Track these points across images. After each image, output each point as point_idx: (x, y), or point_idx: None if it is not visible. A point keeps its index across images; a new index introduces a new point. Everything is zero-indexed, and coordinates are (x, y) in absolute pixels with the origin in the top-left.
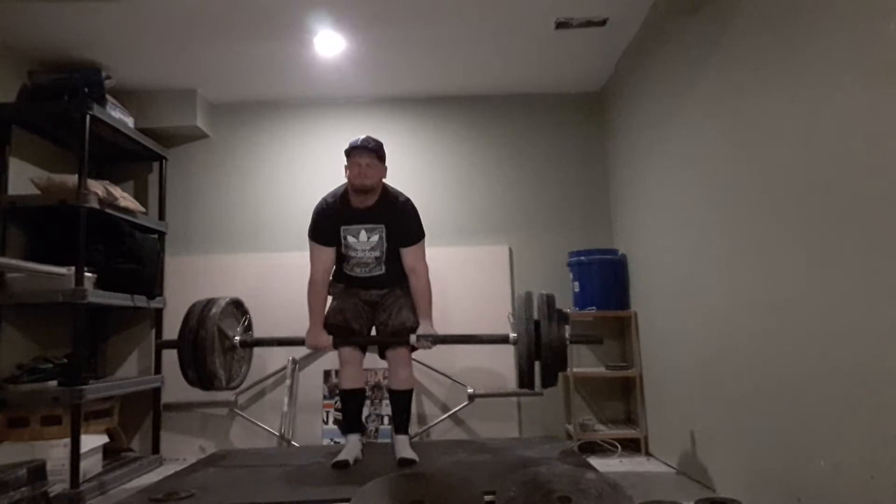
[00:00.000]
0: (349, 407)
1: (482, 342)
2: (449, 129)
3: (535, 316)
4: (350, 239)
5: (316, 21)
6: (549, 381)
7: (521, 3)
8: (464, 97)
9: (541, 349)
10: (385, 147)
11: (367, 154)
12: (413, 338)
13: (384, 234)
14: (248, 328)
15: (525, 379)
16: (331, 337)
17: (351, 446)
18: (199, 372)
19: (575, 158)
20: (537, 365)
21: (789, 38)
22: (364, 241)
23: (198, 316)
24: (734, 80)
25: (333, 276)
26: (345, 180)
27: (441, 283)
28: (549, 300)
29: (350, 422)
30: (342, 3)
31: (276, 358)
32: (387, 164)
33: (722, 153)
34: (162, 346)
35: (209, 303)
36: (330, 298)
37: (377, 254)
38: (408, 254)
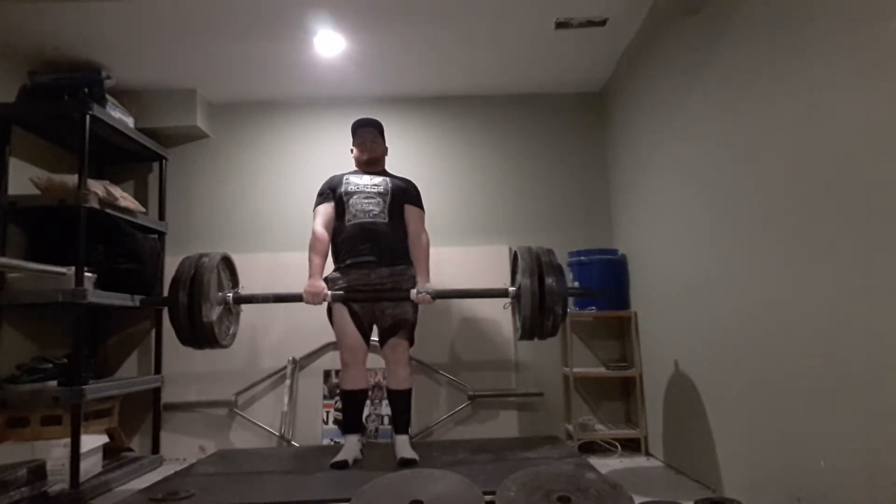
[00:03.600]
0: (350, 407)
1: (481, 296)
2: (449, 129)
3: (538, 269)
4: (353, 178)
5: (316, 21)
6: (551, 331)
7: (521, 3)
8: (464, 97)
9: (544, 300)
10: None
11: (372, 129)
12: (413, 292)
13: (388, 182)
14: (237, 284)
15: (529, 330)
16: (327, 291)
17: (350, 446)
18: (193, 320)
19: (575, 158)
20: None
21: (789, 37)
22: (367, 181)
23: (194, 264)
24: (734, 80)
25: (334, 257)
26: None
27: (441, 283)
28: (549, 253)
29: (350, 422)
30: (342, 3)
31: (276, 358)
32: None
33: (722, 153)
34: (149, 303)
35: (202, 255)
36: (326, 305)
37: (380, 189)
38: (411, 212)
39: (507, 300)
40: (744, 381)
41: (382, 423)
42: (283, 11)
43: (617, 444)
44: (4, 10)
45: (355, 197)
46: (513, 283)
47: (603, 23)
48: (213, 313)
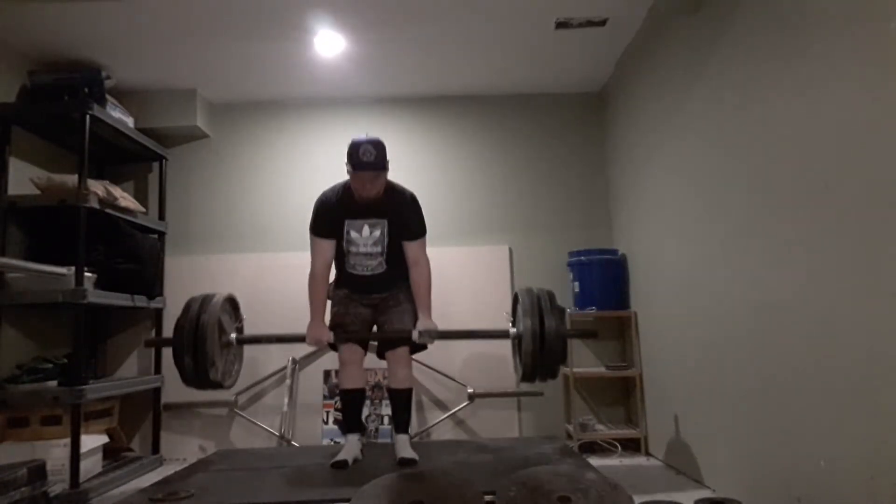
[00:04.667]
0: (349, 407)
1: (482, 337)
2: (449, 129)
3: (537, 311)
4: (352, 234)
5: (316, 21)
6: (551, 373)
7: (521, 3)
8: (464, 97)
9: (544, 343)
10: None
11: (369, 172)
12: (415, 333)
13: (386, 229)
14: (241, 327)
15: (531, 373)
16: (331, 332)
17: (350, 446)
18: (197, 363)
19: (575, 158)
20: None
21: (789, 37)
22: (367, 236)
23: (198, 306)
24: (734, 80)
25: (335, 280)
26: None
27: (441, 283)
28: (549, 295)
29: (350, 422)
30: (342, 3)
31: (276, 358)
32: (388, 157)
33: (722, 153)
34: (154, 343)
35: (207, 296)
36: (330, 304)
37: (378, 249)
38: (411, 248)
39: (510, 330)
40: (744, 380)
41: (382, 423)
42: (283, 11)
43: (617, 444)
44: (4, 10)
45: (354, 253)
46: (513, 325)
47: (603, 23)
48: (218, 358)
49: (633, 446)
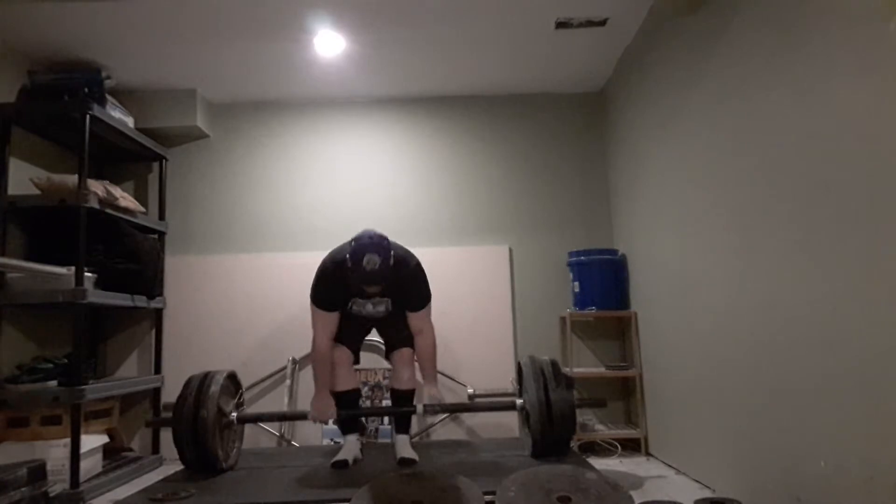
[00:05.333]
0: (346, 408)
1: (488, 410)
2: (449, 129)
3: (542, 382)
4: (355, 308)
5: (316, 21)
6: (562, 447)
7: (521, 3)
8: (464, 97)
9: (552, 417)
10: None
11: (376, 285)
12: (420, 407)
13: (389, 305)
14: (241, 402)
15: (540, 448)
16: (335, 409)
17: (349, 446)
18: (199, 453)
19: (575, 158)
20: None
21: (789, 37)
22: (370, 310)
23: (195, 394)
24: (734, 80)
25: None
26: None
27: (441, 284)
28: (553, 366)
29: (347, 422)
30: (342, 3)
31: (276, 358)
32: (391, 256)
33: (722, 153)
34: (155, 424)
35: (207, 379)
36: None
37: (382, 311)
38: (414, 318)
39: (516, 401)
40: (744, 380)
41: (382, 422)
42: (283, 11)
43: (617, 444)
44: (4, 10)
45: (356, 314)
46: (519, 395)
47: (603, 23)
48: (219, 448)
49: (633, 446)
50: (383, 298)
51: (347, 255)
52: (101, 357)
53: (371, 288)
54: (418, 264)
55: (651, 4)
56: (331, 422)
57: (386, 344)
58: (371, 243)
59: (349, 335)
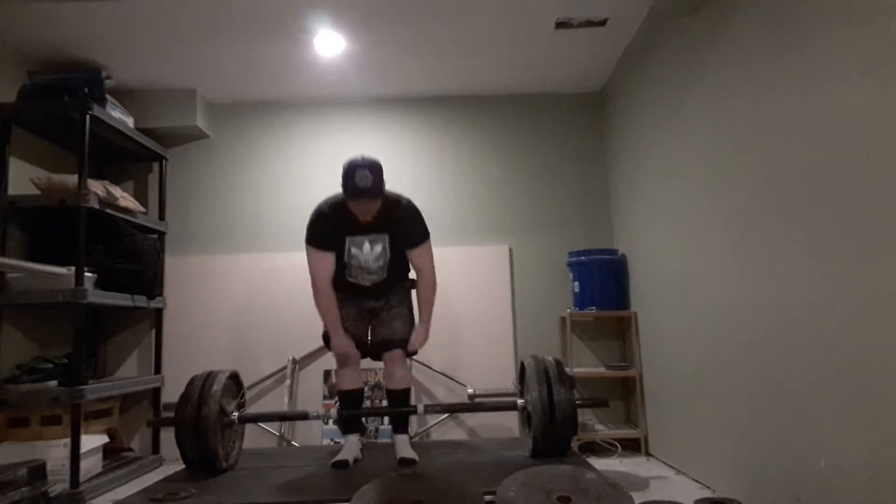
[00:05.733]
0: (349, 408)
1: (488, 410)
2: (449, 129)
3: (546, 382)
4: (353, 250)
5: (316, 21)
6: (563, 447)
7: (521, 3)
8: (464, 97)
9: (554, 414)
10: (384, 155)
11: (365, 200)
12: (420, 407)
13: (388, 244)
14: (243, 402)
15: (541, 448)
16: (354, 344)
17: (350, 446)
18: (201, 452)
19: (575, 158)
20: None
21: (789, 37)
22: (368, 252)
23: (198, 393)
24: (734, 80)
25: (333, 284)
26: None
27: (442, 284)
28: (558, 365)
29: (349, 422)
30: (342, 3)
31: (276, 358)
32: (385, 178)
33: (722, 153)
34: (155, 424)
35: (209, 378)
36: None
37: (381, 263)
38: (415, 255)
39: (517, 401)
40: (744, 381)
41: (382, 422)
42: (283, 11)
43: (617, 444)
44: (4, 10)
45: (356, 266)
46: (521, 395)
47: (603, 23)
48: (220, 447)
49: (633, 446)
50: (380, 234)
51: (342, 174)
52: (101, 357)
53: (364, 206)
54: (410, 201)
55: (651, 4)
56: (331, 422)
57: (377, 345)
58: (363, 162)
59: (349, 323)
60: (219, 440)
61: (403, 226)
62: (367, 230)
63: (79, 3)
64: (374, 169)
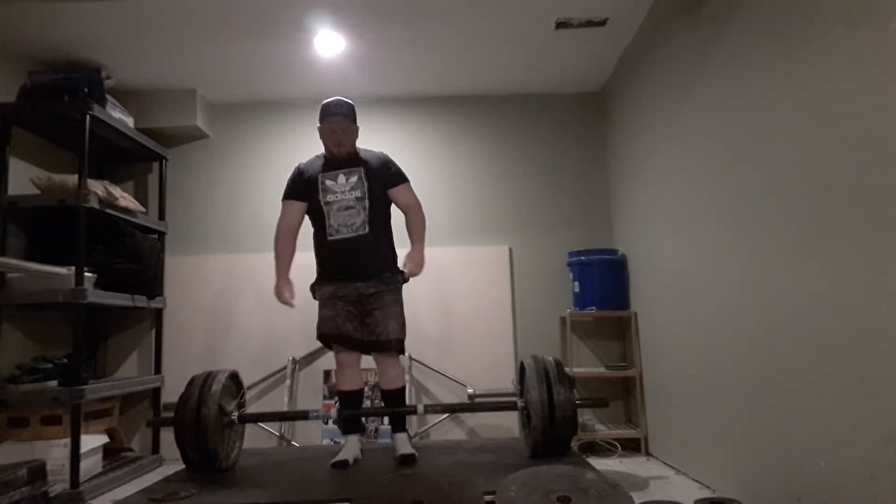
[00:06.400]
0: (349, 408)
1: (488, 410)
2: (449, 129)
3: (546, 382)
4: (328, 182)
5: (316, 21)
6: (563, 447)
7: (521, 3)
8: (464, 97)
9: (554, 414)
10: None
11: (342, 117)
12: (420, 407)
13: (363, 175)
14: (243, 402)
15: (541, 448)
16: (292, 296)
17: (350, 446)
18: (201, 452)
19: (575, 158)
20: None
21: (789, 37)
22: (343, 183)
23: (198, 393)
24: (734, 80)
25: (317, 274)
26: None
27: (441, 284)
28: (557, 365)
29: (349, 422)
30: (342, 3)
31: (276, 358)
32: (358, 124)
33: (722, 153)
34: (156, 423)
35: (209, 378)
36: (318, 305)
37: (359, 194)
38: (398, 193)
39: (517, 401)
40: (744, 380)
41: (382, 422)
42: (283, 11)
43: (617, 444)
44: (4, 10)
45: (335, 208)
46: (521, 395)
47: (603, 23)
48: (220, 447)
49: (633, 446)
50: (355, 168)
51: (319, 109)
52: (101, 357)
53: (338, 131)
54: (383, 151)
55: (651, 4)
56: (331, 422)
57: (371, 344)
58: (337, 99)
59: (338, 314)
60: (219, 440)
61: (381, 166)
62: (341, 165)
63: (79, 3)
64: (348, 103)
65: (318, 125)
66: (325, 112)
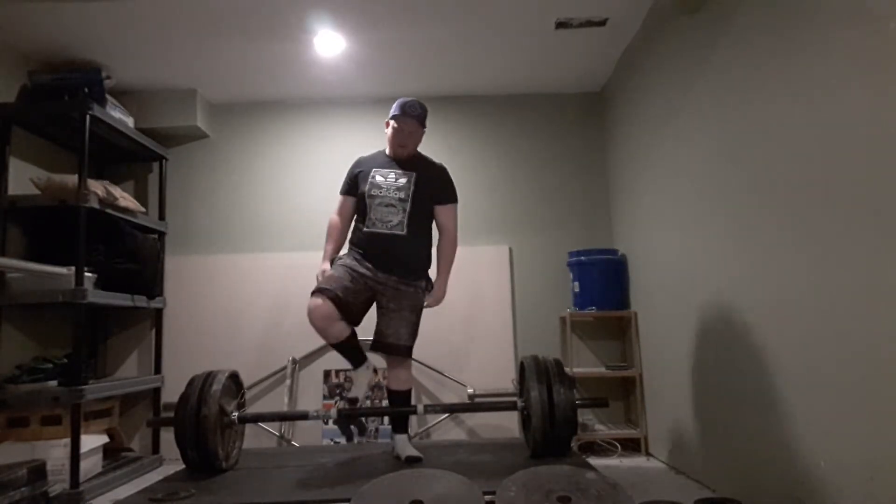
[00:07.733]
0: (347, 352)
1: (488, 410)
2: (449, 129)
3: (546, 381)
4: (378, 178)
5: (316, 21)
6: (563, 447)
7: (521, 3)
8: (464, 97)
9: (555, 416)
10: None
11: (413, 121)
12: (420, 407)
13: (413, 180)
14: (243, 402)
15: (541, 448)
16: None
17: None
18: (201, 452)
19: (575, 158)
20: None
21: (789, 37)
22: (392, 181)
23: (198, 393)
24: (734, 80)
25: (350, 239)
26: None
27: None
28: (557, 365)
29: (353, 359)
30: (342, 3)
31: (276, 358)
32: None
33: (722, 152)
34: (156, 423)
35: (209, 378)
36: (336, 263)
37: (402, 195)
38: (442, 212)
39: (517, 401)
40: (744, 380)
41: (382, 422)
42: (283, 11)
43: (617, 444)
44: (4, 10)
45: (376, 202)
46: (520, 395)
47: (603, 23)
48: (220, 447)
49: (633, 446)
50: (408, 172)
51: (393, 106)
52: (101, 357)
53: (406, 131)
54: (444, 165)
55: (651, 4)
56: (331, 422)
57: (380, 345)
58: (414, 100)
59: (344, 278)
60: (219, 440)
61: (435, 180)
62: (397, 165)
63: (79, 3)
64: (423, 106)
65: (389, 118)
66: (398, 110)
